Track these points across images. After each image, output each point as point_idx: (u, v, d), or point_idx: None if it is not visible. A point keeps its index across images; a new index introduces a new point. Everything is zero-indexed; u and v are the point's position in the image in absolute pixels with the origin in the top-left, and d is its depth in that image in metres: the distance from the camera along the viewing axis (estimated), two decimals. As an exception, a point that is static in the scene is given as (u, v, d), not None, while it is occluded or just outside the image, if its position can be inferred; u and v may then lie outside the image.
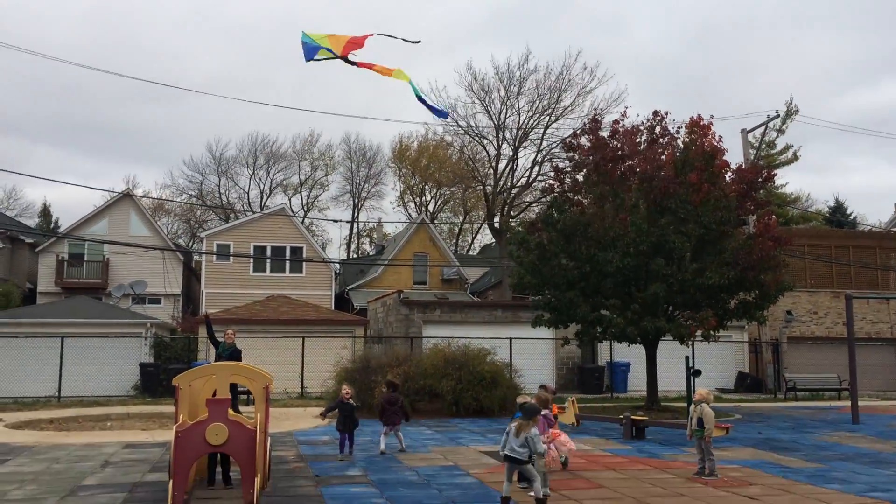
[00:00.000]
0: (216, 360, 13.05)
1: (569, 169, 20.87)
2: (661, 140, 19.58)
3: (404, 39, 11.09)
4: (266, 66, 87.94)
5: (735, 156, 39.53)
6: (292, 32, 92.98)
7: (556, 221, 19.33)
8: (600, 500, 9.25)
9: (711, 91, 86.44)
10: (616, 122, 20.05)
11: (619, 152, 19.29)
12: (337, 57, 10.92)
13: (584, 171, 19.94)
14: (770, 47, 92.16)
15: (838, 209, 51.65)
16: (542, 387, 11.60)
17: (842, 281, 31.88)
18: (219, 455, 9.72)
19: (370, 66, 10.99)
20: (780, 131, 47.63)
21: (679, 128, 19.89)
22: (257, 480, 8.77)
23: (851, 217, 51.63)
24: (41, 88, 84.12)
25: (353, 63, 10.99)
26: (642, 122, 19.93)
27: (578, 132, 20.74)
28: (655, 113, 19.79)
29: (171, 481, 8.66)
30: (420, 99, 11.18)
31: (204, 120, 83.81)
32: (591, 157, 19.47)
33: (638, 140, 19.62)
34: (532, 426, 8.40)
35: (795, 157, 49.92)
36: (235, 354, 13.11)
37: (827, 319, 31.81)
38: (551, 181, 21.54)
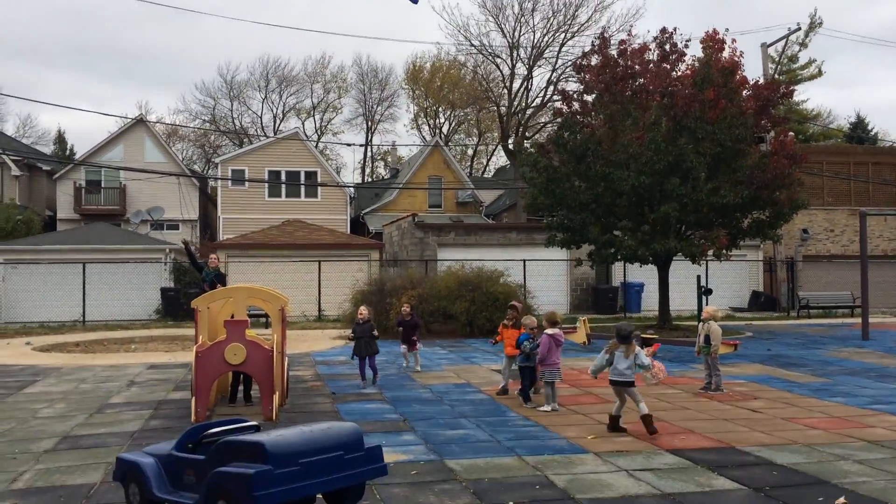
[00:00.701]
0: (202, 285, 13.31)
1: (578, 91, 20.59)
2: (670, 57, 19.20)
3: None
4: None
5: (755, 71, 38.79)
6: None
7: (565, 143, 19.20)
8: (607, 413, 9.50)
9: (733, 3, 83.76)
10: (623, 41, 19.67)
11: (630, 70, 18.97)
12: None
13: (595, 92, 19.65)
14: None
15: (859, 125, 50.61)
16: (512, 306, 11.16)
17: (860, 198, 31.58)
18: (241, 375, 10.08)
19: None
20: (803, 45, 46.35)
21: (687, 41, 19.43)
22: (275, 397, 9.13)
23: (872, 133, 50.64)
24: (53, 12, 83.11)
25: None
26: (652, 39, 19.56)
27: (588, 52, 20.33)
28: (663, 30, 19.38)
29: (193, 398, 9.04)
30: None
31: (214, 43, 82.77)
32: (600, 77, 19.17)
33: (648, 58, 19.26)
34: (637, 347, 8.48)
35: (819, 73, 48.66)
36: (220, 278, 13.42)
37: (843, 237, 31.68)
38: (560, 105, 21.29)
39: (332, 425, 4.86)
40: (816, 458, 7.28)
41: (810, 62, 48.50)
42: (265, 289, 10.91)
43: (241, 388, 10.36)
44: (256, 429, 5.15)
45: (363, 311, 12.03)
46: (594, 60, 19.84)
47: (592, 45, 20.28)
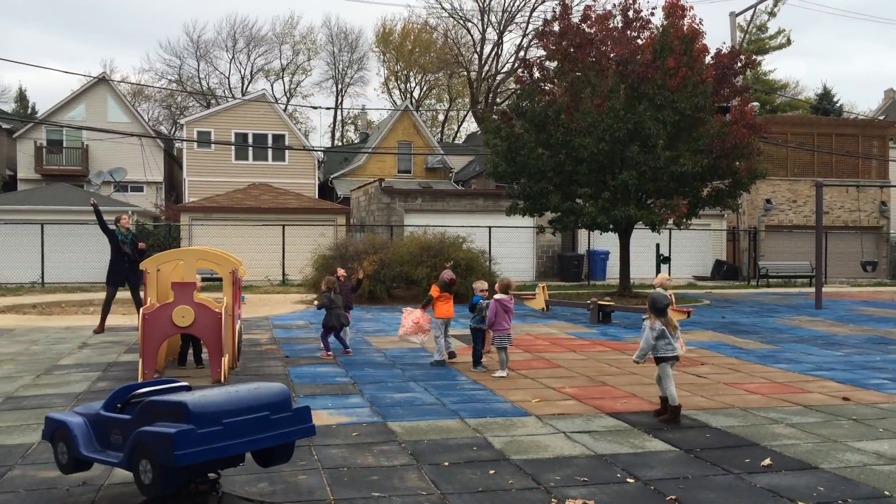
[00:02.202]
0: (119, 248, 13.32)
1: (539, 59, 20.50)
2: (634, 24, 19.15)
3: None
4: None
5: (723, 40, 38.75)
6: None
7: (524, 111, 19.17)
8: (555, 378, 9.66)
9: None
10: (588, 7, 19.56)
11: (590, 38, 18.89)
12: None
13: (557, 60, 19.56)
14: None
15: (825, 96, 51.08)
16: (452, 279, 10.82)
17: (823, 170, 31.99)
18: (191, 337, 10.03)
19: None
20: (772, 14, 46.53)
21: (653, 10, 19.41)
22: (224, 360, 9.12)
23: (838, 105, 51.16)
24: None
25: None
26: (614, 6, 19.46)
27: (550, 19, 20.21)
28: None
29: (140, 360, 9.00)
30: None
31: (178, 1, 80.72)
32: (560, 45, 19.08)
33: (611, 25, 19.18)
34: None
35: (788, 42, 48.94)
36: (139, 238, 13.61)
37: (805, 208, 32.13)
38: (520, 73, 21.19)
39: (260, 386, 4.86)
40: (751, 421, 7.46)
41: (779, 32, 48.72)
42: (216, 251, 10.81)
43: (192, 350, 10.34)
44: (187, 389, 5.14)
45: (327, 280, 11.72)
46: (556, 27, 19.73)
47: (553, 11, 20.17)
